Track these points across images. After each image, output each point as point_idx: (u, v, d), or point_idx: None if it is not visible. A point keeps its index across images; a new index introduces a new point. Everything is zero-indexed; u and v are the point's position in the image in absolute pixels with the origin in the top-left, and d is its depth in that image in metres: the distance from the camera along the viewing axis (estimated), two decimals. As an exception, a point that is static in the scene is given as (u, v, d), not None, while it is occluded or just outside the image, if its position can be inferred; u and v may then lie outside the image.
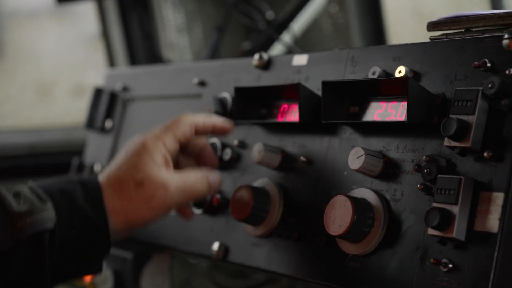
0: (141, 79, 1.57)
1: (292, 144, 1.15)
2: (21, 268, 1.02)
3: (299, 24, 2.03)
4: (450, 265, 0.89)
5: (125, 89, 1.59)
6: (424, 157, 0.94)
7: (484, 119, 0.90)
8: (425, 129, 0.97)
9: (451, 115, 0.91)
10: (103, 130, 1.62)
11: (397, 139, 1.00)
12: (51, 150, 2.36)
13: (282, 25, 2.00)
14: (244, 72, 1.28)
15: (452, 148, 0.92)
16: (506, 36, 0.89)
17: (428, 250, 0.92)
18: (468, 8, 1.92)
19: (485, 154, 0.89)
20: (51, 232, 1.03)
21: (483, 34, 0.96)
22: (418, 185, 0.95)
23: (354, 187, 1.04)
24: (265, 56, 1.23)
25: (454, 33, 1.01)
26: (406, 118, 0.96)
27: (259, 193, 1.13)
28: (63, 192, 1.07)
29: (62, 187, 1.08)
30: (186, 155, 1.20)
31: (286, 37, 2.01)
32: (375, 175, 1.01)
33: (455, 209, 0.89)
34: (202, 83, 1.36)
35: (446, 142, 0.92)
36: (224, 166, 1.25)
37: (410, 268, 0.94)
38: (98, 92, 1.64)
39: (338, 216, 0.98)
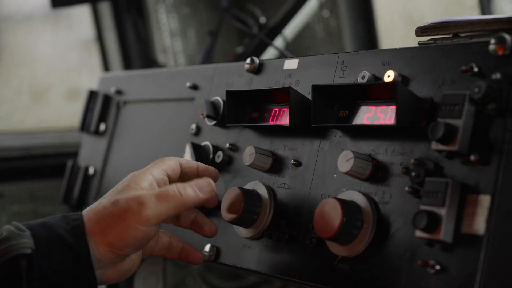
0: (135, 82, 1.58)
1: (283, 147, 1.16)
2: None
3: (291, 29, 2.04)
4: (438, 267, 0.90)
5: (118, 92, 1.60)
6: (412, 160, 0.95)
7: (471, 123, 0.91)
8: (413, 132, 0.98)
9: (438, 119, 0.93)
10: (97, 133, 1.63)
11: (386, 143, 1.01)
12: (45, 152, 2.37)
13: (275, 29, 2.02)
14: (236, 76, 1.29)
15: (440, 151, 0.93)
16: (492, 41, 0.90)
17: (416, 252, 0.94)
18: (457, 13, 1.94)
19: (472, 158, 0.90)
20: (29, 260, 0.99)
21: (470, 39, 0.97)
22: (406, 188, 0.96)
23: (344, 189, 1.05)
24: (257, 60, 1.25)
25: (442, 38, 1.02)
26: (395, 122, 0.97)
27: (250, 196, 1.14)
28: (44, 224, 1.04)
29: (43, 221, 1.05)
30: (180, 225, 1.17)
31: (279, 41, 2.02)
32: (364, 178, 1.02)
33: (442, 211, 0.90)
34: (194, 87, 1.37)
35: (434, 145, 0.93)
36: (216, 168, 1.26)
37: (398, 269, 0.95)
38: (92, 95, 1.66)
39: (328, 218, 0.99)
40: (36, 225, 1.04)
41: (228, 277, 1.93)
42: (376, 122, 1.03)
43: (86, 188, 1.61)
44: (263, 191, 1.15)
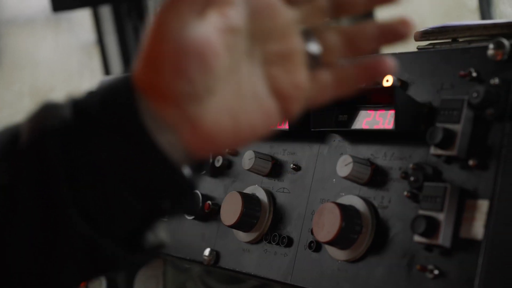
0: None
1: (282, 152, 1.16)
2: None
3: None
4: (436, 272, 0.90)
5: (119, 96, 1.60)
6: (411, 165, 0.95)
7: (470, 128, 0.91)
8: (412, 137, 0.98)
9: (437, 124, 0.93)
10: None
11: (385, 147, 1.02)
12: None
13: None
14: (236, 80, 1.29)
15: (438, 156, 0.93)
16: (491, 46, 0.91)
17: (415, 257, 0.94)
18: (457, 17, 1.94)
19: (470, 163, 0.90)
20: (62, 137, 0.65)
21: (469, 44, 0.98)
22: (405, 193, 0.96)
23: (343, 194, 1.05)
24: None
25: (441, 43, 1.02)
26: (394, 127, 0.97)
27: (249, 200, 1.14)
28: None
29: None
30: None
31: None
32: (363, 183, 1.02)
33: (441, 216, 0.90)
34: (194, 91, 1.37)
35: (433, 150, 0.93)
36: (215, 173, 1.27)
37: (397, 274, 0.95)
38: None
39: (327, 222, 1.00)
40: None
41: (229, 281, 1.93)
42: (375, 127, 1.03)
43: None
44: (262, 196, 1.16)
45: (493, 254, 0.87)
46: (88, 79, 2.55)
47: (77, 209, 0.64)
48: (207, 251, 1.22)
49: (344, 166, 1.01)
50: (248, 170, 1.16)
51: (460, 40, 1.00)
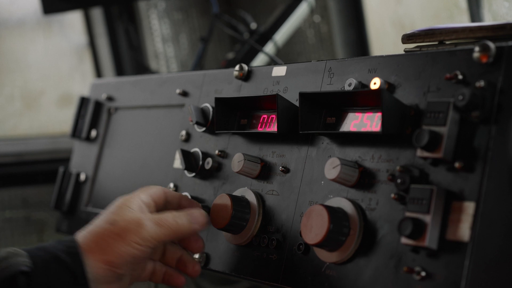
0: (126, 89, 1.58)
1: (271, 154, 1.17)
2: None
3: (282, 34, 2.05)
4: (423, 273, 0.91)
5: (109, 98, 1.61)
6: (398, 167, 0.96)
7: (456, 131, 0.92)
8: (399, 139, 0.99)
9: (423, 126, 0.93)
10: (88, 139, 1.63)
11: (372, 149, 1.02)
12: (38, 158, 2.37)
13: (265, 35, 2.02)
14: (226, 83, 1.30)
15: (425, 158, 0.94)
16: (476, 49, 0.91)
17: (402, 259, 0.94)
18: (447, 18, 1.94)
19: (456, 165, 0.91)
20: (27, 277, 1.03)
21: (455, 47, 0.98)
22: (392, 195, 0.96)
23: (331, 196, 1.06)
24: (245, 67, 1.25)
25: (428, 45, 1.03)
26: (381, 129, 0.97)
27: (238, 202, 1.15)
28: (39, 247, 1.08)
29: (39, 245, 1.08)
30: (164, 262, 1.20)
31: (270, 47, 2.03)
32: (351, 185, 1.03)
33: (427, 218, 0.91)
34: (184, 93, 1.38)
35: (419, 152, 0.94)
36: (205, 175, 1.27)
37: (384, 276, 0.96)
38: (83, 101, 1.66)
39: (315, 225, 1.00)
40: (32, 248, 1.07)
41: (221, 282, 1.94)
42: (363, 129, 1.03)
43: (78, 194, 1.61)
44: (251, 198, 1.16)
45: (479, 255, 0.87)
46: (80, 81, 2.55)
47: None
48: (197, 254, 1.23)
49: (332, 168, 1.02)
50: (238, 172, 1.16)
51: (447, 42, 1.01)
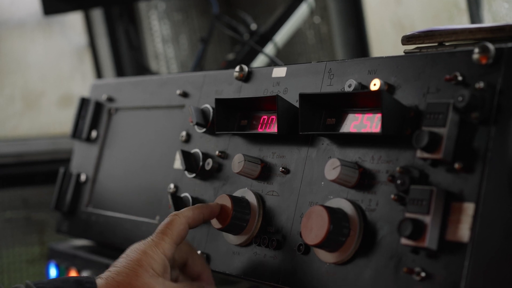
0: (126, 90, 1.59)
1: (272, 155, 1.17)
2: None
3: (282, 35, 2.05)
4: (423, 274, 0.91)
5: (110, 99, 1.61)
6: (397, 168, 0.96)
7: (455, 132, 0.92)
8: (399, 140, 0.99)
9: (423, 127, 0.94)
10: (88, 140, 1.64)
11: (372, 150, 1.02)
12: (38, 159, 2.38)
13: (266, 36, 2.03)
14: (226, 83, 1.30)
15: (425, 159, 0.94)
16: (476, 50, 0.91)
17: (402, 259, 0.94)
18: (447, 19, 1.94)
19: (456, 166, 0.91)
20: None
21: (455, 48, 0.98)
22: (392, 196, 0.96)
23: (331, 197, 1.06)
24: (246, 68, 1.26)
25: (428, 46, 1.03)
26: (381, 130, 0.98)
27: (239, 203, 1.15)
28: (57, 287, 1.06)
29: (57, 285, 1.06)
30: (185, 275, 1.19)
31: (270, 48, 2.03)
32: (351, 186, 1.03)
33: (427, 219, 0.91)
34: (184, 94, 1.38)
35: (419, 153, 0.94)
36: (205, 176, 1.27)
37: (384, 276, 0.96)
38: (83, 102, 1.66)
39: (315, 225, 1.00)
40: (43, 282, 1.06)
41: (221, 282, 1.94)
42: (363, 130, 1.04)
43: (78, 195, 1.62)
44: (252, 199, 1.16)
45: (479, 256, 0.87)
46: (80, 82, 2.55)
47: None
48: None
49: (332, 169, 1.02)
50: (238, 173, 1.17)
51: (446, 44, 1.01)
